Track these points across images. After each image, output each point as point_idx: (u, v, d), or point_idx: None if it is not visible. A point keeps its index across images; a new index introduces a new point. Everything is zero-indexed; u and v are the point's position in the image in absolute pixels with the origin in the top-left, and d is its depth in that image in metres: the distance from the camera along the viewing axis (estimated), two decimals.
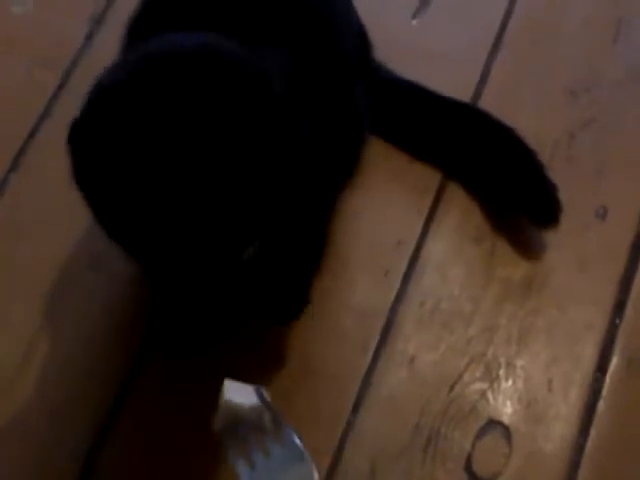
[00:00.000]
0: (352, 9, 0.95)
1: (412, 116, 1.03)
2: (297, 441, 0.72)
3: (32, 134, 1.04)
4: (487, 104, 1.05)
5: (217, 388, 0.75)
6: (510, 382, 0.93)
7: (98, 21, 1.11)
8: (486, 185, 1.01)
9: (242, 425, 0.73)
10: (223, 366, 0.92)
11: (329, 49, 0.88)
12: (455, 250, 0.99)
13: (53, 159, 0.81)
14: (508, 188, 0.99)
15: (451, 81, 1.05)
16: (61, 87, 1.07)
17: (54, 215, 1.00)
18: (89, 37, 1.10)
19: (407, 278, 0.97)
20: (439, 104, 1.02)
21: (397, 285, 0.97)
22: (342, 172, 0.95)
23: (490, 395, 0.93)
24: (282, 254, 0.87)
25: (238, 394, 0.74)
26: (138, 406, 0.93)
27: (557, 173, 0.98)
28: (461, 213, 1.00)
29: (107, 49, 0.89)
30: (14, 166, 1.03)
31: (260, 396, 0.74)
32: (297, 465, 0.71)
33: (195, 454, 0.90)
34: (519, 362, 0.94)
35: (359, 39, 0.97)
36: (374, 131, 1.02)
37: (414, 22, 1.10)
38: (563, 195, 0.97)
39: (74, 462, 0.91)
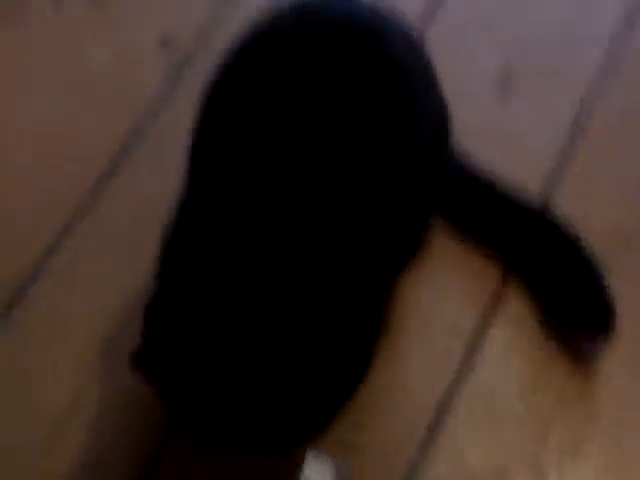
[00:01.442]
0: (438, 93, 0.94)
1: (479, 206, 1.01)
2: None
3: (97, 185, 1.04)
4: (560, 193, 1.02)
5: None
6: None
7: (174, 76, 1.11)
8: (543, 287, 0.98)
9: None
10: None
11: (408, 129, 0.86)
12: (513, 347, 0.96)
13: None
14: (563, 294, 0.97)
15: (525, 167, 1.03)
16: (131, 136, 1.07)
17: (114, 269, 1.00)
18: (162, 90, 1.10)
19: (461, 368, 0.95)
20: (507, 199, 1.00)
21: (451, 375, 0.94)
22: (405, 253, 0.93)
23: None
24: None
25: (319, 471, 0.71)
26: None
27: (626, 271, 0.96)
28: (523, 309, 0.97)
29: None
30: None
31: (341, 474, 0.71)
32: None
33: None
34: (570, 470, 0.90)
35: (440, 123, 0.94)
36: (440, 214, 1.00)
37: (495, 103, 1.08)
38: (627, 294, 0.94)
39: None
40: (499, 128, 1.06)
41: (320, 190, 0.82)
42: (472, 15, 1.13)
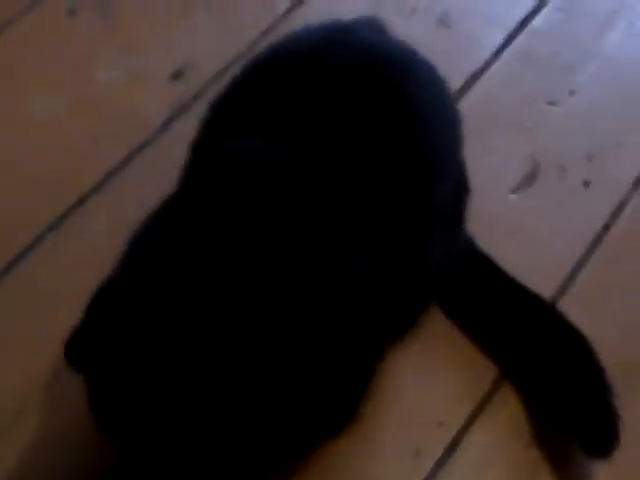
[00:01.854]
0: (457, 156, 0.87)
1: (481, 300, 0.92)
2: None
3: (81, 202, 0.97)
4: (571, 301, 0.94)
5: None
6: None
7: (180, 109, 1.04)
8: (541, 393, 0.88)
9: None
10: None
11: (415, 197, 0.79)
12: (499, 448, 0.86)
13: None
14: (563, 405, 0.86)
15: (538, 268, 0.95)
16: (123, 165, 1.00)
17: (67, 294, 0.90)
18: (167, 123, 1.03)
19: (440, 465, 0.85)
20: (514, 296, 0.91)
21: (426, 471, 0.84)
22: (394, 329, 0.85)
23: None
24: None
25: None
26: None
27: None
28: (516, 410, 0.88)
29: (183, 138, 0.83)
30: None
31: None
32: None
33: None
34: None
35: (457, 194, 0.87)
36: (440, 301, 0.92)
37: (512, 197, 1.01)
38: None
39: None
40: (512, 223, 0.99)
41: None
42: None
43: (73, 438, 0.83)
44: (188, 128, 0.85)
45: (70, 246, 0.94)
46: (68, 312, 0.73)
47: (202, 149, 0.83)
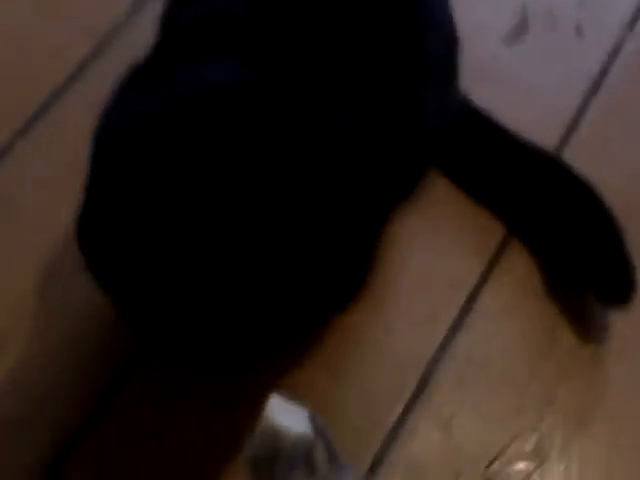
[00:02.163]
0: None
1: (481, 157, 0.88)
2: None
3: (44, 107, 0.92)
4: (573, 152, 0.91)
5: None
6: (563, 466, 0.77)
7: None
8: (552, 248, 0.86)
9: (283, 457, 0.57)
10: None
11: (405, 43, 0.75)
12: (517, 304, 0.84)
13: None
14: (576, 256, 0.83)
15: (537, 120, 0.91)
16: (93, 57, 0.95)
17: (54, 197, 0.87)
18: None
19: (456, 326, 0.82)
20: (516, 149, 0.87)
21: (443, 332, 0.82)
22: (397, 191, 0.82)
23: (537, 478, 0.77)
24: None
25: (285, 416, 0.58)
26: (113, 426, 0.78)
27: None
28: (528, 268, 0.85)
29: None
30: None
31: (314, 424, 0.58)
32: None
33: None
34: (576, 444, 0.78)
35: (446, 42, 0.83)
36: (441, 164, 0.89)
37: (504, 48, 0.97)
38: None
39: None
40: (509, 75, 0.95)
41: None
42: None
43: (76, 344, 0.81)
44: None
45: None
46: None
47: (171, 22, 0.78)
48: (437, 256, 0.85)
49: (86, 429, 0.77)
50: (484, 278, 0.84)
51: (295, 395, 0.67)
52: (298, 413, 0.59)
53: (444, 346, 0.81)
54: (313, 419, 0.60)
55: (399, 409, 0.78)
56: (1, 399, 0.78)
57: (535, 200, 0.86)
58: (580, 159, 0.88)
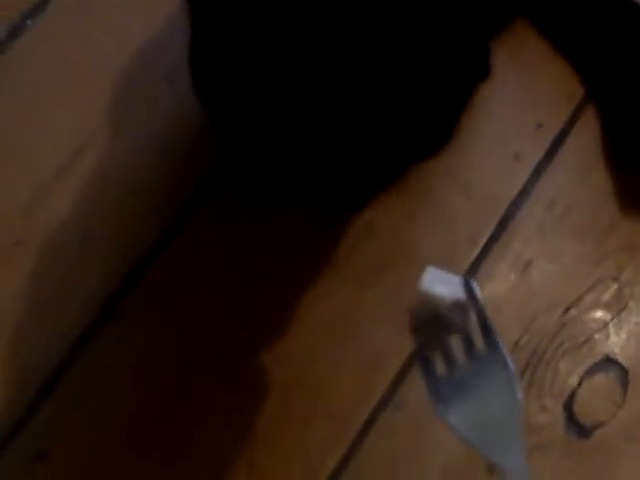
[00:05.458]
0: None
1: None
2: (503, 346, 0.60)
3: None
4: None
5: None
6: None
7: None
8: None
9: (442, 324, 0.61)
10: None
11: None
12: (599, 153, 0.81)
13: None
14: None
15: None
16: None
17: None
18: None
19: (540, 169, 0.80)
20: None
21: (527, 174, 0.80)
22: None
23: (612, 328, 0.76)
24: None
25: (441, 284, 0.61)
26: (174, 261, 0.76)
27: None
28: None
29: None
30: None
31: (468, 290, 0.61)
32: (501, 372, 0.60)
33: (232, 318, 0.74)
34: None
35: None
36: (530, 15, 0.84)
37: None
38: None
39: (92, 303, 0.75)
40: None
41: None
42: None
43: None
44: None
45: None
46: None
47: None
48: (525, 95, 0.82)
49: (160, 247, 0.76)
50: (571, 122, 0.82)
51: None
52: (453, 281, 0.62)
53: (527, 188, 0.79)
54: (469, 286, 0.62)
55: (477, 248, 0.77)
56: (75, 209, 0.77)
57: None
58: None
